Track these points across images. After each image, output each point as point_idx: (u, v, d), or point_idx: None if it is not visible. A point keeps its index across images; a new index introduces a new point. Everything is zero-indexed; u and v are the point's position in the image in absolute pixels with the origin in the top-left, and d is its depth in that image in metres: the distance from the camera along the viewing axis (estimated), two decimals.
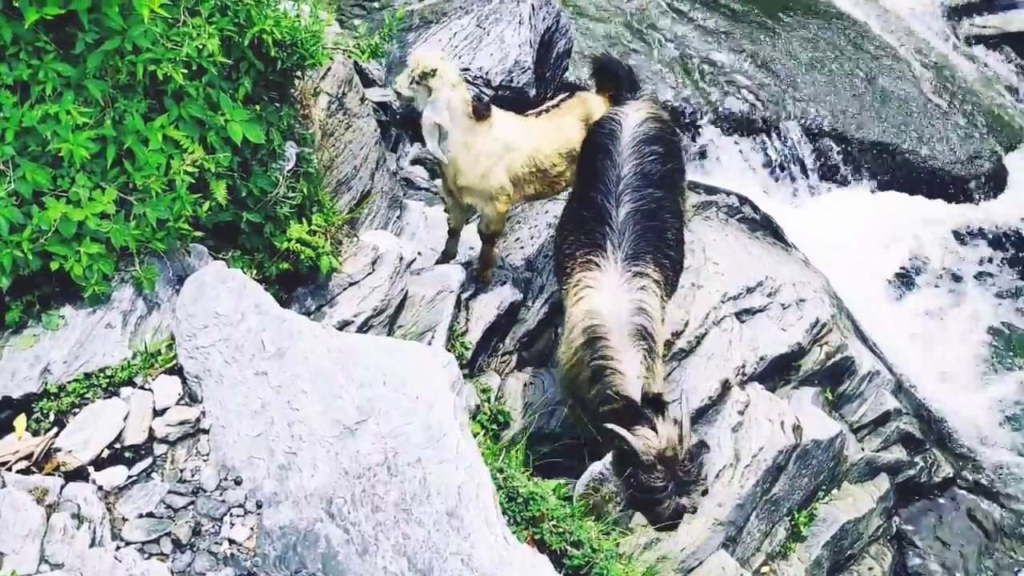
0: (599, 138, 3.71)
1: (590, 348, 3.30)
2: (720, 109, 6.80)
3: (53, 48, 2.61)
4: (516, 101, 5.69)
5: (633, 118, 3.69)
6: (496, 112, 4.08)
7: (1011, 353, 6.15)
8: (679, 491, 3.05)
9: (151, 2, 2.50)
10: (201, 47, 2.77)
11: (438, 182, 5.84)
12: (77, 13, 2.52)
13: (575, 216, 3.66)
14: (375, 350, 2.50)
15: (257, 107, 3.16)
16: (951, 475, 5.07)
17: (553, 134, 4.09)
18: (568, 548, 2.40)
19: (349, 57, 3.89)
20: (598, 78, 4.29)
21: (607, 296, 3.35)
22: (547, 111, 4.23)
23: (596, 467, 3.16)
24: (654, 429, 3.06)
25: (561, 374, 3.61)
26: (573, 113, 4.15)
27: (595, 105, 4.18)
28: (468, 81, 5.78)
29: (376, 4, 6.70)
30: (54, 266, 2.63)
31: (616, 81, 4.03)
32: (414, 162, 6.00)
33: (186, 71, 2.79)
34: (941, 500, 5.01)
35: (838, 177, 6.76)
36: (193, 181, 2.84)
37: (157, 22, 2.68)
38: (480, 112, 3.97)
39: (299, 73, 3.37)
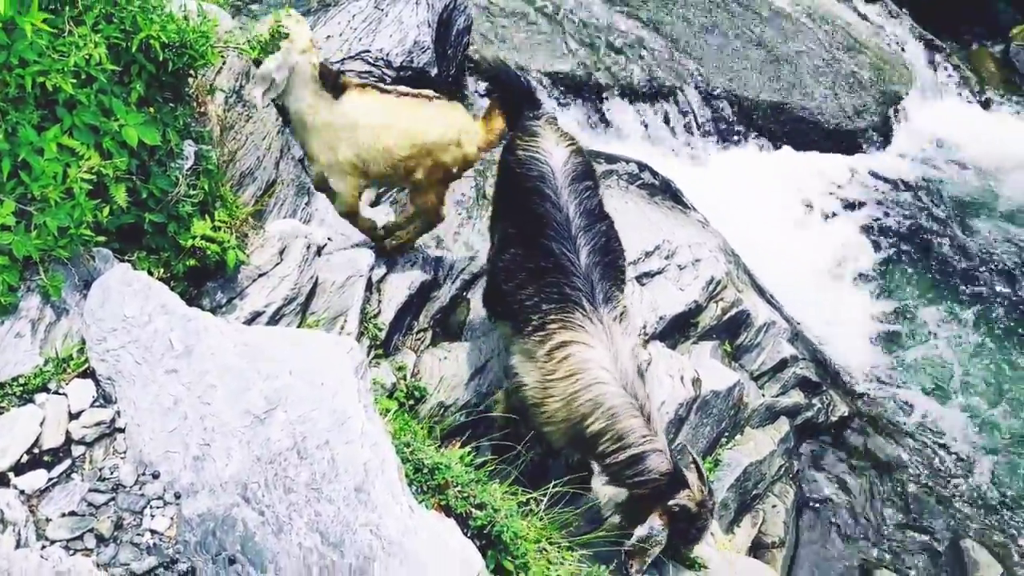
0: (528, 182, 3.60)
1: (610, 427, 3.30)
2: (620, 77, 7.00)
3: None
4: (419, 81, 5.77)
5: (558, 156, 3.61)
6: (353, 87, 3.95)
7: (904, 295, 6.55)
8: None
9: (32, 17, 2.55)
10: (88, 56, 2.82)
11: None
12: None
13: (527, 265, 3.54)
14: (280, 341, 2.63)
15: (151, 109, 3.21)
16: (847, 414, 5.43)
17: (408, 120, 3.92)
18: (472, 510, 2.59)
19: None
20: (495, 92, 4.20)
21: (607, 357, 3.33)
22: (417, 96, 4.06)
23: (641, 532, 3.30)
24: (688, 484, 3.34)
25: (543, 422, 3.51)
26: (440, 112, 3.99)
27: (461, 120, 4.04)
28: (369, 63, 5.85)
29: None
30: None
31: (514, 97, 3.95)
32: None
33: (75, 80, 2.84)
34: (838, 437, 5.37)
35: (735, 137, 7.04)
36: (92, 187, 2.91)
37: (42, 34, 2.72)
38: (327, 78, 3.85)
39: (192, 72, 3.43)
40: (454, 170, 4.12)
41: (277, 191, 4.46)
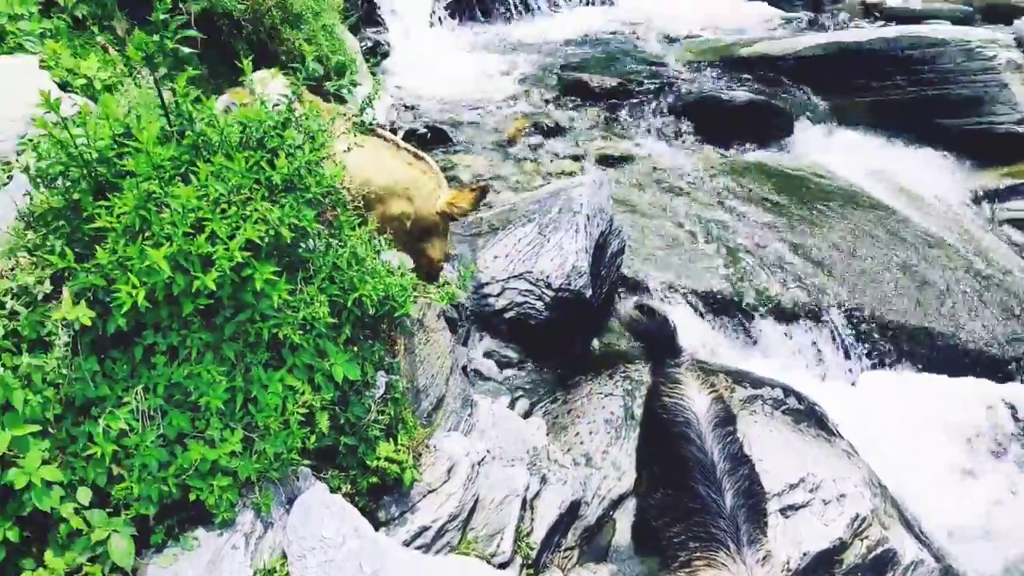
0: (674, 427, 3.87)
1: None
2: (766, 298, 7.29)
3: (198, 320, 3.27)
4: (574, 303, 6.29)
5: (701, 403, 3.90)
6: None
7: None
8: None
9: (279, 289, 3.16)
10: (314, 313, 3.41)
11: (507, 373, 6.40)
12: (221, 297, 3.20)
13: (676, 505, 3.76)
14: (448, 570, 2.98)
15: (355, 348, 3.78)
16: None
17: (367, 163, 4.14)
18: None
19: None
20: (639, 343, 4.65)
21: None
22: (395, 147, 4.37)
23: None
24: None
25: None
26: (397, 164, 4.30)
27: (416, 176, 4.33)
28: (530, 283, 6.42)
29: None
30: (192, 497, 3.20)
31: (656, 346, 4.30)
32: (484, 355, 6.55)
33: (301, 331, 3.43)
34: None
35: (882, 361, 7.12)
36: (303, 419, 3.44)
37: (281, 297, 3.34)
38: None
39: (391, 316, 4.00)
40: (406, 224, 4.35)
41: (445, 404, 4.93)
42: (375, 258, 3.71)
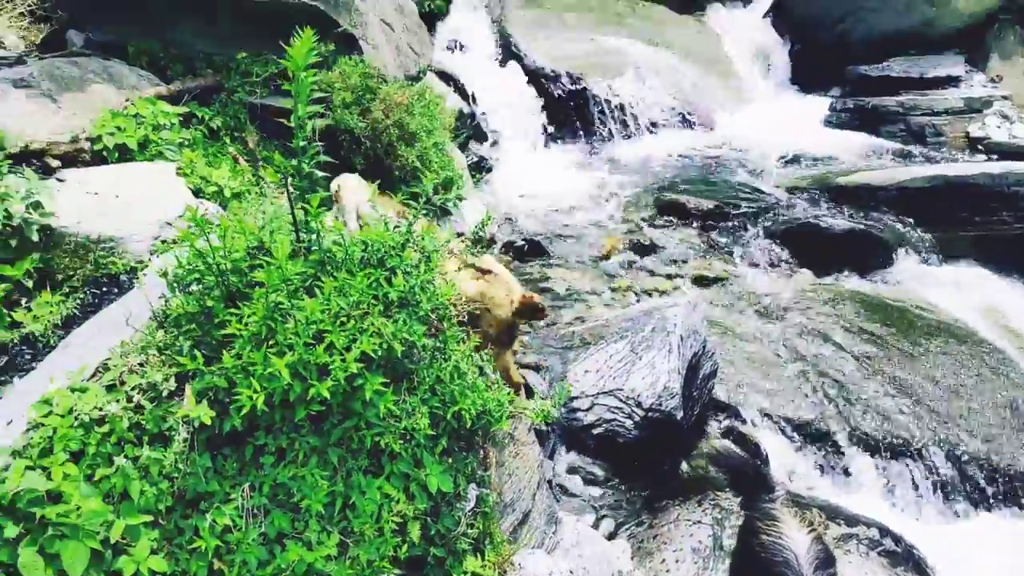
0: (774, 567, 3.81)
1: None
2: (862, 430, 7.11)
3: (307, 425, 3.43)
4: (664, 424, 6.27)
5: (801, 543, 3.82)
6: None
7: None
8: None
9: (386, 400, 3.30)
10: (415, 425, 3.53)
11: (593, 491, 6.36)
12: (332, 404, 3.35)
13: None
14: None
15: (450, 459, 3.87)
16: None
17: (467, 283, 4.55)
18: None
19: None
20: (729, 476, 4.67)
21: None
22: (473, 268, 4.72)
23: None
24: None
25: None
26: (482, 281, 4.60)
27: (488, 288, 4.66)
28: (620, 400, 6.43)
29: (542, 324, 7.63)
30: None
31: (747, 481, 4.39)
32: (570, 470, 6.54)
33: (402, 441, 3.54)
34: None
35: (984, 503, 6.80)
36: (396, 527, 3.52)
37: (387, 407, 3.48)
38: None
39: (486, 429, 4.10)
40: (490, 330, 4.68)
41: (531, 520, 4.94)
42: (475, 373, 3.82)
